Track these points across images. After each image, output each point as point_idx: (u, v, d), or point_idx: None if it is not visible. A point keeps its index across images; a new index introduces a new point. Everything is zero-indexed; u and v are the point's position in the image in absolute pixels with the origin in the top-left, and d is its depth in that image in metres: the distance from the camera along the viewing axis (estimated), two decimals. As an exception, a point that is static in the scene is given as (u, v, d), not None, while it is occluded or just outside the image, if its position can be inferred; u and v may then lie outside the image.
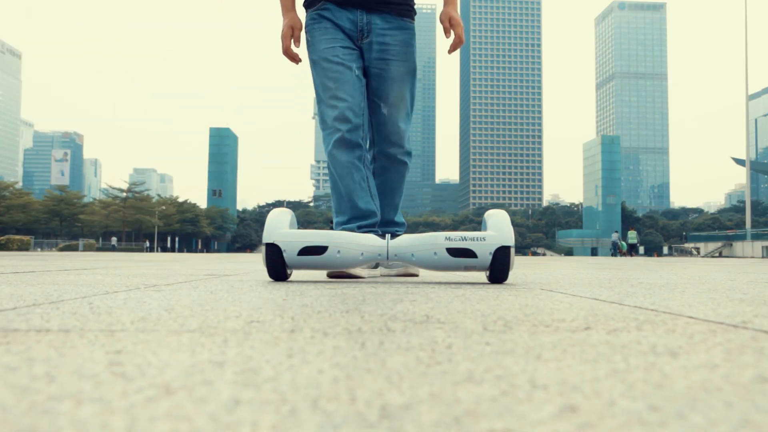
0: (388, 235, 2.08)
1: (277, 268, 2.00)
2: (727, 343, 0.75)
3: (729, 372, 0.57)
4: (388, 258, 1.99)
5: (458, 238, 1.94)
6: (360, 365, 0.59)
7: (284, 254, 1.97)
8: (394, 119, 2.71)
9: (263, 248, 2.00)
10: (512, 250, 1.96)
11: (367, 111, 2.69)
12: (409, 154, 2.80)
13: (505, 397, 0.46)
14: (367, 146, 2.69)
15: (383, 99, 2.69)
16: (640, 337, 0.81)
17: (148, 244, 58.09)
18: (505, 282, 2.06)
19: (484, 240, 1.95)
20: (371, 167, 2.72)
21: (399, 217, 2.85)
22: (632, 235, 35.79)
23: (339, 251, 1.95)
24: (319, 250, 1.95)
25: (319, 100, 2.65)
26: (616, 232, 40.90)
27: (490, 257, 1.95)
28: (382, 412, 0.42)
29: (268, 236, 1.99)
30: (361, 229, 2.52)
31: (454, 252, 1.94)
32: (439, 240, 1.96)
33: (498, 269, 1.98)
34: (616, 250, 36.07)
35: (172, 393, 0.47)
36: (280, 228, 1.99)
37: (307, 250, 1.95)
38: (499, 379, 0.53)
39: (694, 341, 0.77)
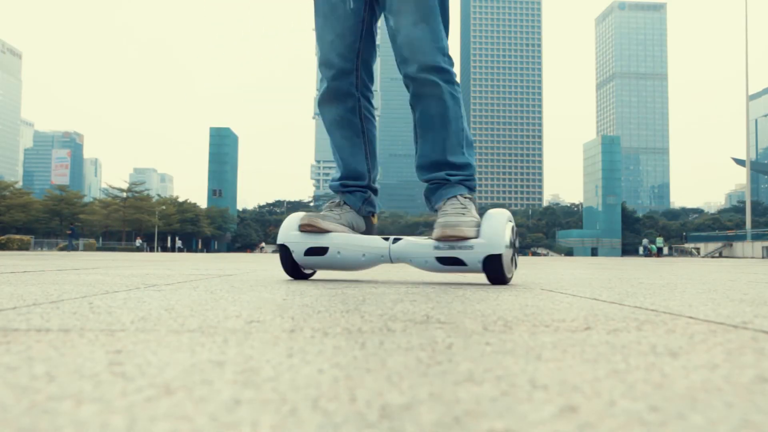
0: (391, 238, 2.05)
1: (291, 266, 2.18)
2: (728, 344, 0.75)
3: (729, 372, 0.57)
4: (391, 261, 2.04)
5: (446, 246, 1.93)
6: (360, 365, 0.59)
7: (293, 254, 2.11)
8: (404, 28, 2.10)
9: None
10: (503, 258, 1.91)
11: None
12: (437, 69, 2.09)
13: (506, 397, 0.46)
14: (372, 88, 2.33)
15: (389, 9, 2.14)
16: (640, 337, 0.81)
17: (138, 242, 54.29)
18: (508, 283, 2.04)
19: (472, 248, 1.91)
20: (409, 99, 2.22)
21: (457, 156, 2.16)
22: (659, 241, 48.95)
23: (339, 252, 2.06)
24: (321, 251, 2.07)
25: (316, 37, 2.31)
26: (645, 238, 58.64)
27: (480, 265, 1.93)
28: (383, 412, 0.42)
29: (280, 238, 2.15)
30: (346, 188, 2.29)
31: (444, 261, 1.96)
32: (427, 249, 1.97)
33: (492, 277, 1.97)
34: (646, 252, 48.99)
35: (172, 393, 0.47)
36: (291, 230, 2.13)
37: (311, 251, 2.08)
38: (499, 379, 0.53)
39: (694, 341, 0.77)
